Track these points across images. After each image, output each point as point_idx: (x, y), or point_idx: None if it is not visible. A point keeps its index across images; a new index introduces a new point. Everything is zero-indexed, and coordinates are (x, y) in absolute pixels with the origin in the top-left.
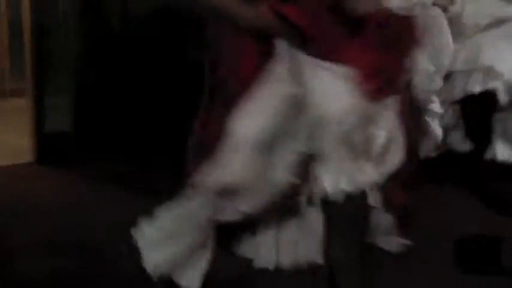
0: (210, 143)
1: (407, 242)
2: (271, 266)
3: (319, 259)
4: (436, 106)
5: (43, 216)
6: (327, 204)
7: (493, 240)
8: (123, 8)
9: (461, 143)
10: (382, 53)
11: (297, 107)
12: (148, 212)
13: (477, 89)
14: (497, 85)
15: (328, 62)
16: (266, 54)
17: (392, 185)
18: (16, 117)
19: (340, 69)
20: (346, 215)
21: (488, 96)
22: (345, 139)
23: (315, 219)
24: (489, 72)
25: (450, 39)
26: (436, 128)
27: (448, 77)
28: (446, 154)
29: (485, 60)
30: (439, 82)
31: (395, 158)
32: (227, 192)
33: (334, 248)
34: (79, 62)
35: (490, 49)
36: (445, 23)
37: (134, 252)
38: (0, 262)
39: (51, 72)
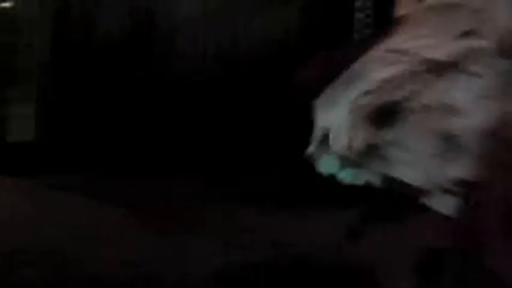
0: None
1: None
2: None
3: None
4: None
5: (4, 227)
6: None
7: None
8: (89, 18)
9: None
10: None
11: None
12: (112, 220)
13: None
14: None
15: None
16: None
17: None
18: None
19: None
20: None
21: None
22: None
23: None
24: None
25: None
26: None
27: None
28: None
29: None
30: None
31: None
32: None
33: None
34: (43, 71)
35: None
36: None
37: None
38: None
39: (15, 81)
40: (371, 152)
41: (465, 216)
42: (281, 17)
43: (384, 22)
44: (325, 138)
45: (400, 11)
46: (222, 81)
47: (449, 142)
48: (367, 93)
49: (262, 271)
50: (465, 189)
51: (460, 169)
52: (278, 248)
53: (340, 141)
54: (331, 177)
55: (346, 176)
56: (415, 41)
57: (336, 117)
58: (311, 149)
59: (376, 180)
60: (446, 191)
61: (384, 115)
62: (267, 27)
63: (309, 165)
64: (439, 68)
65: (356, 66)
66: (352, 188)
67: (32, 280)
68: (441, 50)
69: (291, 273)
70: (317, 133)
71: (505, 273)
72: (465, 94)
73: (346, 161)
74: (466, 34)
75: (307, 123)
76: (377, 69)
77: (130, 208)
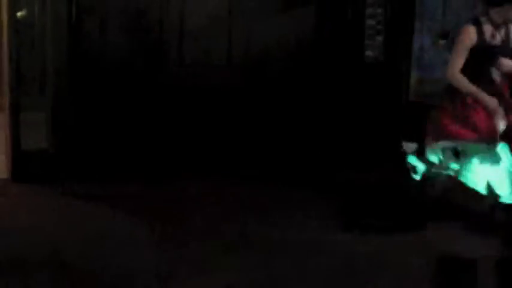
0: None
1: None
2: None
3: None
4: None
5: (17, 233)
6: None
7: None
8: (101, 27)
9: None
10: None
11: None
12: (123, 229)
13: None
14: None
15: None
16: None
17: None
18: None
19: None
20: None
21: None
22: None
23: None
24: None
25: None
26: None
27: None
28: None
29: None
30: None
31: None
32: None
33: None
34: (57, 79)
35: None
36: None
37: None
38: None
39: (29, 89)
40: None
41: None
42: (295, 23)
43: (394, 29)
44: None
45: None
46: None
47: None
48: None
49: None
50: None
51: None
52: None
53: None
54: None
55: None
56: None
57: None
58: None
59: None
60: None
61: None
62: (281, 33)
63: None
64: None
65: None
66: None
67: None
68: None
69: None
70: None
71: None
72: None
73: None
74: None
75: None
76: None
77: (144, 216)
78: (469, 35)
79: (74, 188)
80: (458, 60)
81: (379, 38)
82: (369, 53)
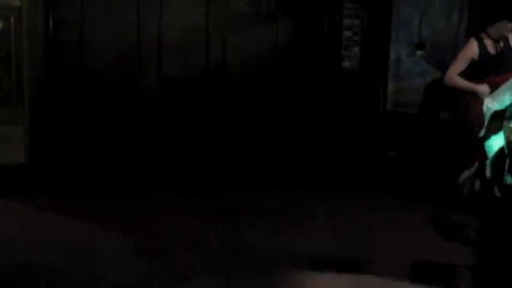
0: None
1: None
2: None
3: None
4: None
5: None
6: None
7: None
8: (79, 39)
9: None
10: None
11: None
12: (103, 240)
13: None
14: None
15: None
16: None
17: None
18: None
19: None
20: None
21: None
22: None
23: None
24: None
25: None
26: None
27: None
28: None
29: None
30: None
31: None
32: None
33: None
34: (34, 92)
35: None
36: None
37: None
38: None
39: (6, 102)
40: None
41: None
42: (272, 34)
43: (371, 40)
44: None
45: None
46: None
47: None
48: None
49: None
50: None
51: None
52: None
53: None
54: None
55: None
56: None
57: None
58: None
59: None
60: None
61: None
62: (257, 44)
63: None
64: None
65: None
66: None
67: None
68: None
69: None
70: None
71: None
72: None
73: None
74: None
75: None
76: None
77: (123, 228)
78: (472, 48)
79: (51, 201)
80: (457, 66)
81: (356, 49)
82: (346, 63)
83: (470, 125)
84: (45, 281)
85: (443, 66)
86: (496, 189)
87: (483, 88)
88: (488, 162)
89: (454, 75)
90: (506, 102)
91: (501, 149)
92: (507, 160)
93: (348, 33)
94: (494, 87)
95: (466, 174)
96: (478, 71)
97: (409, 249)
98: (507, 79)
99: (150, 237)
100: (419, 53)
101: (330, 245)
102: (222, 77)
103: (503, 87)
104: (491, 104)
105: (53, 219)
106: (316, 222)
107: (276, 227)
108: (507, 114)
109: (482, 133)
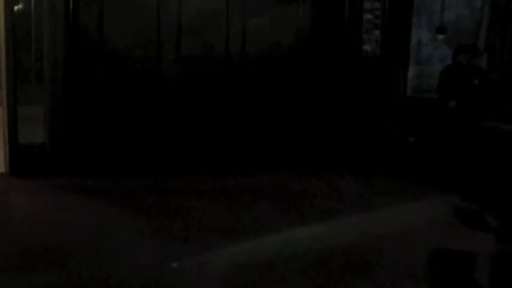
0: None
1: None
2: None
3: None
4: None
5: (15, 227)
6: None
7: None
8: (99, 20)
9: None
10: None
11: None
12: (119, 222)
13: None
14: None
15: None
16: None
17: None
18: None
19: None
20: None
21: None
22: None
23: None
24: None
25: None
26: None
27: None
28: None
29: None
30: None
31: None
32: None
33: None
34: (54, 72)
35: None
36: None
37: None
38: None
39: (26, 82)
40: None
41: None
42: (292, 18)
43: (392, 23)
44: None
45: None
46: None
47: None
48: None
49: None
50: None
51: None
52: None
53: None
54: None
55: None
56: None
57: None
58: None
59: None
60: None
61: None
62: (277, 27)
63: None
64: None
65: None
66: None
67: (41, 280)
68: None
69: None
70: None
71: None
72: None
73: None
74: None
75: None
76: None
77: (139, 210)
78: None
79: (71, 181)
80: None
81: (377, 33)
82: (366, 47)
83: None
84: (69, 263)
85: (465, 51)
86: None
87: None
88: None
89: None
90: None
91: None
92: None
93: (368, 16)
94: None
95: None
96: None
97: (433, 235)
98: None
99: (168, 218)
100: (440, 37)
101: (357, 225)
102: (241, 61)
103: None
104: None
105: (73, 200)
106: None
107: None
108: None
109: None
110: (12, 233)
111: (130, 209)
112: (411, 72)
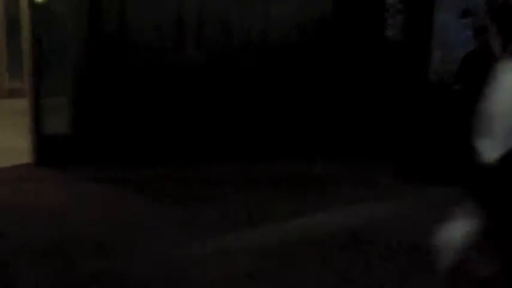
0: None
1: None
2: None
3: None
4: None
5: (40, 217)
6: None
7: None
8: (121, 8)
9: None
10: None
11: None
12: (145, 212)
13: None
14: None
15: None
16: None
17: None
18: (15, 118)
19: None
20: None
21: None
22: None
23: None
24: None
25: None
26: None
27: None
28: None
29: None
30: None
31: None
32: None
33: None
34: (77, 62)
35: None
36: None
37: None
38: (2, 263)
39: (50, 73)
40: None
41: None
42: (314, 3)
43: (415, 7)
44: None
45: None
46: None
47: None
48: None
49: None
50: None
51: None
52: None
53: None
54: None
55: None
56: None
57: None
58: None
59: None
60: None
61: None
62: (299, 13)
63: None
64: None
65: None
66: None
67: (67, 270)
68: None
69: None
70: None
71: None
72: None
73: None
74: None
75: None
76: None
77: (167, 199)
78: None
79: (95, 171)
80: None
81: (399, 17)
82: (389, 32)
83: None
84: (94, 253)
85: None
86: None
87: None
88: None
89: None
90: None
91: None
92: None
93: (391, 1)
94: None
95: None
96: None
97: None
98: None
99: (194, 208)
100: (464, 21)
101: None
102: (264, 47)
103: None
104: None
105: (98, 190)
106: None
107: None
108: None
109: None
110: (42, 223)
111: (157, 198)
112: (434, 56)
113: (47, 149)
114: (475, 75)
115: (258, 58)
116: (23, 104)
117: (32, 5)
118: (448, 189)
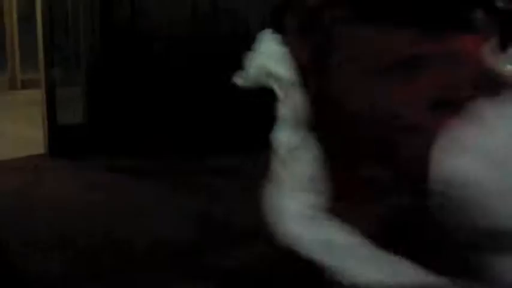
0: None
1: None
2: None
3: None
4: None
5: (54, 208)
6: None
7: None
8: (135, 0)
9: None
10: None
11: None
12: (160, 202)
13: None
14: None
15: None
16: None
17: None
18: (29, 109)
19: None
20: None
21: None
22: None
23: None
24: None
25: None
26: None
27: None
28: None
29: None
30: None
31: None
32: None
33: None
34: (91, 52)
35: None
36: None
37: None
38: (13, 252)
39: (64, 64)
40: None
41: None
42: None
43: None
44: None
45: None
46: None
47: None
48: None
49: None
50: None
51: None
52: None
53: None
54: None
55: None
56: None
57: None
58: None
59: None
60: None
61: None
62: None
63: None
64: None
65: None
66: None
67: (80, 261)
68: None
69: None
70: None
71: None
72: None
73: None
74: None
75: None
76: None
77: (180, 189)
78: None
79: (110, 161)
80: None
81: None
82: None
83: None
84: (111, 247)
85: None
86: None
87: None
88: None
89: None
90: None
91: None
92: None
93: None
94: None
95: None
96: None
97: None
98: None
99: (209, 199)
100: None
101: None
102: None
103: None
104: None
105: (113, 181)
106: None
107: None
108: None
109: None
110: (56, 213)
111: (173, 190)
112: None
113: (62, 140)
114: None
115: None
116: (37, 95)
117: None
118: None
